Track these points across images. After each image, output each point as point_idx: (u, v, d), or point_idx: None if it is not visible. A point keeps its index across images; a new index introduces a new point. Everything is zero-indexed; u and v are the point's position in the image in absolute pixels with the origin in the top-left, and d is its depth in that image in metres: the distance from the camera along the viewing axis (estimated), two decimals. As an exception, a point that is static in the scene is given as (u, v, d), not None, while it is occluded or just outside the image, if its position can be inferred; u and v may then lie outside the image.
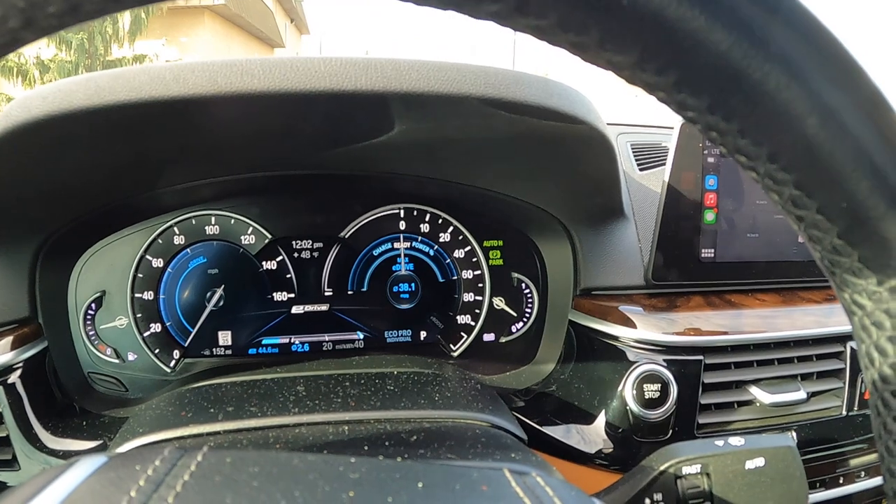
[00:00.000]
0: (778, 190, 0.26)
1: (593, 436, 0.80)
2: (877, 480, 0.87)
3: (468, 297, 1.04)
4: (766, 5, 0.23)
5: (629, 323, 0.84)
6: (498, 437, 0.61)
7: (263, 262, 0.98)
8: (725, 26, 0.22)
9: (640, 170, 1.03)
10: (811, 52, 0.23)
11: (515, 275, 1.04)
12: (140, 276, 0.94)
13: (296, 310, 0.99)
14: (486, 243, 1.03)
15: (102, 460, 0.35)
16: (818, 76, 0.23)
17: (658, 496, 0.53)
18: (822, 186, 0.25)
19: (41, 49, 10.55)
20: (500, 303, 1.04)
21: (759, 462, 0.55)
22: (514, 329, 1.05)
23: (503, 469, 0.38)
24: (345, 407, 0.66)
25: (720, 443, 0.56)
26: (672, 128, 0.87)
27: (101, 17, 0.23)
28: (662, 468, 0.54)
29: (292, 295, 0.99)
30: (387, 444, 0.57)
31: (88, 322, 0.93)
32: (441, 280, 1.04)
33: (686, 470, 0.54)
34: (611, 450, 0.79)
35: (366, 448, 0.56)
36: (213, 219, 0.96)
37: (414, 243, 1.02)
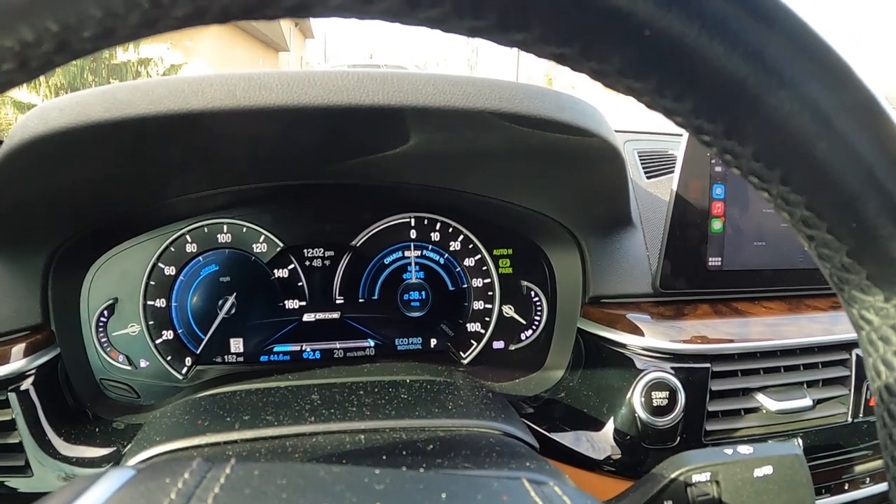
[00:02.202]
0: (790, 210, 0.27)
1: (602, 443, 0.81)
2: (881, 486, 0.87)
3: (478, 305, 1.04)
4: (782, 35, 0.23)
5: (637, 331, 0.84)
6: (511, 445, 0.61)
7: (275, 271, 0.99)
8: (742, 55, 0.23)
9: (647, 177, 1.04)
10: (823, 79, 0.24)
11: (525, 283, 1.04)
12: (152, 283, 0.95)
13: (307, 317, 1.00)
14: (495, 252, 1.04)
15: (131, 473, 0.35)
16: (829, 102, 0.24)
17: (669, 503, 0.54)
18: (833, 208, 0.26)
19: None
20: (509, 311, 1.05)
21: (768, 470, 0.55)
22: (523, 337, 1.06)
23: (521, 479, 0.38)
24: (360, 416, 0.66)
25: (729, 451, 0.56)
26: (679, 135, 0.88)
27: (134, 41, 0.24)
28: (673, 476, 0.55)
29: (304, 303, 1.00)
30: (404, 453, 0.57)
31: (101, 329, 0.93)
32: (451, 288, 1.04)
33: (696, 478, 0.55)
34: (619, 456, 0.80)
35: (384, 457, 0.56)
36: (225, 227, 0.97)
37: (424, 252, 1.03)
